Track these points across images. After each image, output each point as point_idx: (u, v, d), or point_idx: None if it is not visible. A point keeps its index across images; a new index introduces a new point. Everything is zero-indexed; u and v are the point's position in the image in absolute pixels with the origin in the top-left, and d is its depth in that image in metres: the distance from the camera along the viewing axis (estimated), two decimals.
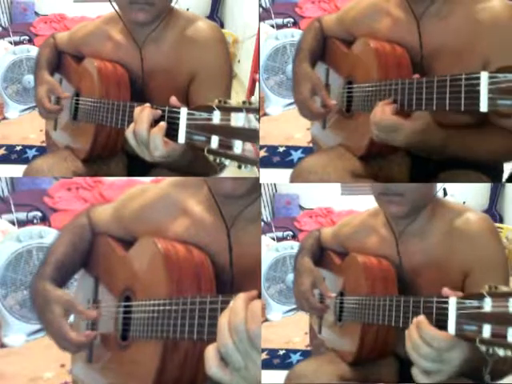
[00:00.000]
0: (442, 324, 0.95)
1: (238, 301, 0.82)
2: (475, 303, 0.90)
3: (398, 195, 1.24)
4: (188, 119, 1.00)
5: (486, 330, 0.87)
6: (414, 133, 1.16)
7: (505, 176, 1.39)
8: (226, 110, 0.95)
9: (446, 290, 0.98)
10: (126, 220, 1.24)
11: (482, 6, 1.22)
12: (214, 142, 0.95)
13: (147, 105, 1.06)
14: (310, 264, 1.50)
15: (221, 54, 1.34)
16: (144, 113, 1.04)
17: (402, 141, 1.17)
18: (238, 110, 0.94)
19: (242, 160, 0.93)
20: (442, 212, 1.28)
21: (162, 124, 1.02)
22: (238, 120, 0.93)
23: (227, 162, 0.94)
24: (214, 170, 0.98)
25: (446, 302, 0.94)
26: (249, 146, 0.94)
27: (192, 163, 1.15)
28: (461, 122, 1.23)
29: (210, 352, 0.82)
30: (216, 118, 0.96)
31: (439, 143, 1.21)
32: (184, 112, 1.00)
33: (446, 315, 0.94)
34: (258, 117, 0.94)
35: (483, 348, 0.87)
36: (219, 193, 1.12)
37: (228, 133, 0.94)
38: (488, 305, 0.88)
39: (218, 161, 0.95)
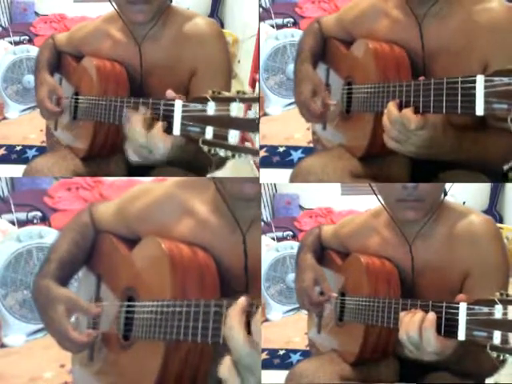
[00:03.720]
0: (451, 329, 0.95)
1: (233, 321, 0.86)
2: (485, 309, 0.89)
3: (418, 201, 1.22)
4: (183, 111, 1.01)
5: (497, 337, 0.87)
6: (435, 127, 1.12)
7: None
8: (221, 101, 0.95)
9: (461, 296, 0.98)
10: (130, 219, 1.24)
11: (480, 7, 1.22)
12: (209, 132, 0.96)
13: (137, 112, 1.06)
14: (313, 261, 1.50)
15: (220, 50, 1.35)
16: (134, 118, 1.05)
17: (426, 138, 1.12)
18: (232, 99, 0.94)
19: (236, 149, 0.93)
20: (446, 214, 1.28)
21: (160, 124, 1.03)
22: (232, 110, 0.94)
23: (222, 152, 0.94)
24: (209, 162, 0.98)
25: (456, 308, 0.94)
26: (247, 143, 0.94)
27: (194, 158, 1.15)
28: (462, 123, 1.23)
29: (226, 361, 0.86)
30: (211, 109, 0.96)
31: (455, 141, 1.18)
32: (179, 104, 1.01)
33: (456, 320, 0.94)
34: (256, 106, 0.94)
35: (494, 354, 0.87)
36: (234, 195, 1.12)
37: (223, 123, 0.95)
38: (499, 311, 0.88)
39: (212, 151, 0.96)
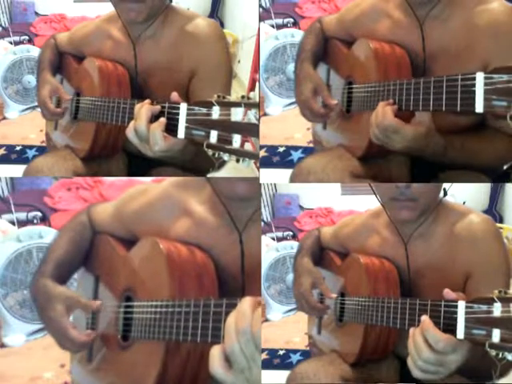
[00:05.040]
0: (449, 328, 0.94)
1: (245, 304, 0.83)
2: (484, 307, 0.89)
3: (411, 200, 1.23)
4: (188, 114, 1.01)
5: (496, 335, 0.87)
6: (414, 137, 1.15)
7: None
8: (225, 105, 0.96)
9: (448, 292, 0.97)
10: (127, 219, 1.23)
11: (481, 8, 1.22)
12: (213, 136, 0.97)
13: (147, 101, 1.07)
14: (310, 264, 1.50)
15: (221, 51, 1.34)
16: (143, 109, 1.05)
17: (402, 144, 1.16)
18: (237, 104, 0.95)
19: (240, 154, 0.94)
20: (445, 214, 1.28)
21: (162, 120, 1.04)
22: (236, 115, 0.94)
23: (226, 156, 0.95)
24: (212, 166, 0.99)
25: (455, 306, 0.93)
26: (248, 145, 0.94)
27: (193, 159, 1.15)
28: (460, 124, 1.23)
29: (216, 352, 0.83)
30: (215, 113, 0.97)
31: (439, 149, 1.20)
32: (184, 107, 1.01)
33: (454, 319, 0.93)
34: (257, 111, 0.94)
35: (493, 353, 0.87)
36: (229, 195, 1.12)
37: (227, 127, 0.95)
38: (498, 309, 0.87)
39: (216, 155, 0.96)
